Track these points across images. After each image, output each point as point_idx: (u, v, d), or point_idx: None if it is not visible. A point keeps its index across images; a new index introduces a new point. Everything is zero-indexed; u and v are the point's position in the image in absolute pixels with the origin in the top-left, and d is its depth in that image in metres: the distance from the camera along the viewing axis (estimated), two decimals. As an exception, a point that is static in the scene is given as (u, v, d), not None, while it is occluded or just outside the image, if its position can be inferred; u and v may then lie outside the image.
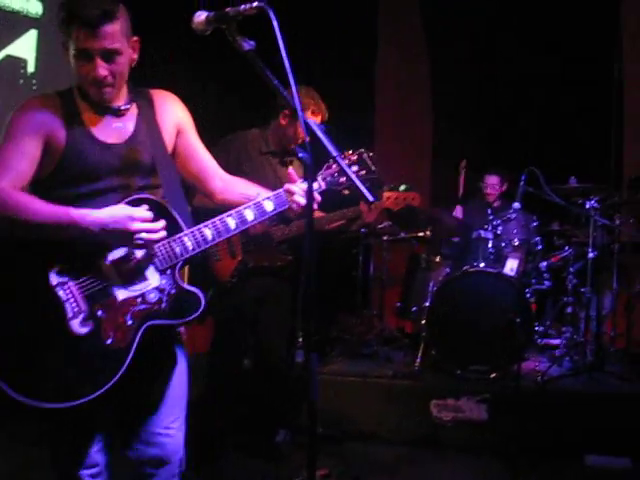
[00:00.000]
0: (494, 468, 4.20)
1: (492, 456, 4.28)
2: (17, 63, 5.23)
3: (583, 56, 7.21)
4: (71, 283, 2.10)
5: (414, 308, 5.59)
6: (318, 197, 2.43)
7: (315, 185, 2.43)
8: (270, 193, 2.41)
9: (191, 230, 2.24)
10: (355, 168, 2.57)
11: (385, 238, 6.01)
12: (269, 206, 2.36)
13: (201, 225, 2.26)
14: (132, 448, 2.34)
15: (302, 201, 2.34)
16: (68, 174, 2.19)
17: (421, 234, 5.93)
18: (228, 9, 2.07)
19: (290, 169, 2.45)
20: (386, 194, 3.81)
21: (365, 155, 2.59)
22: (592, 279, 5.27)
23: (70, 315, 2.08)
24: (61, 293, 2.09)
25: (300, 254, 3.98)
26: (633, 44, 7.14)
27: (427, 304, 5.20)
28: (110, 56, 2.14)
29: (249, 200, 2.39)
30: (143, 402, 2.33)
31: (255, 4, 2.00)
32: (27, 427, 2.91)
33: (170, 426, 2.36)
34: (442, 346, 4.99)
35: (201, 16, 2.13)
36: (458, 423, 4.56)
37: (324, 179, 2.50)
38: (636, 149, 7.07)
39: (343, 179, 2.50)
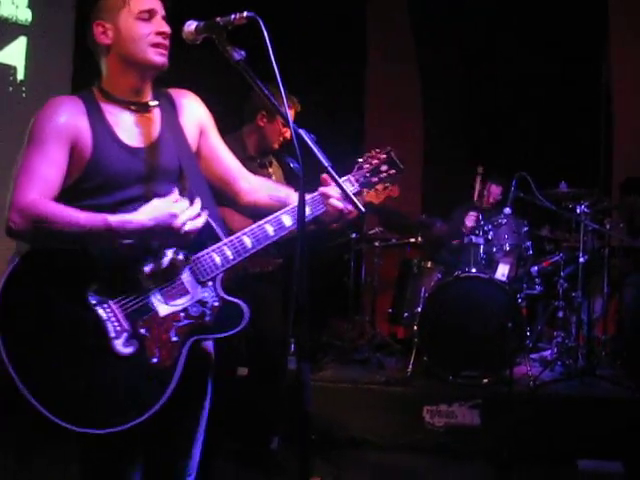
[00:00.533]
0: (487, 473, 4.21)
1: (485, 461, 4.29)
2: (6, 70, 5.22)
3: (571, 59, 7.25)
4: (111, 301, 2.00)
5: (406, 314, 5.59)
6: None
7: (350, 187, 2.35)
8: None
9: (230, 239, 2.16)
10: (385, 167, 2.46)
11: (377, 244, 6.03)
12: (306, 210, 2.22)
13: (239, 233, 2.17)
14: None
15: (339, 205, 2.25)
16: (93, 183, 2.10)
17: (412, 240, 5.94)
18: (218, 19, 2.05)
19: (324, 175, 2.30)
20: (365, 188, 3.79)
21: (392, 153, 2.49)
22: (583, 283, 5.29)
23: (113, 335, 1.98)
24: (101, 312, 1.98)
25: (290, 256, 3.97)
26: (620, 46, 7.16)
27: (419, 310, 5.20)
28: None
29: (278, 202, 2.33)
30: (176, 438, 2.23)
31: (245, 14, 1.99)
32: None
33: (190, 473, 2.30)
34: (434, 352, 4.98)
35: (191, 26, 2.13)
36: (451, 429, 4.58)
37: (357, 180, 2.42)
38: (625, 153, 7.10)
39: (375, 179, 2.45)
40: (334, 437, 4.58)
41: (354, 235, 5.94)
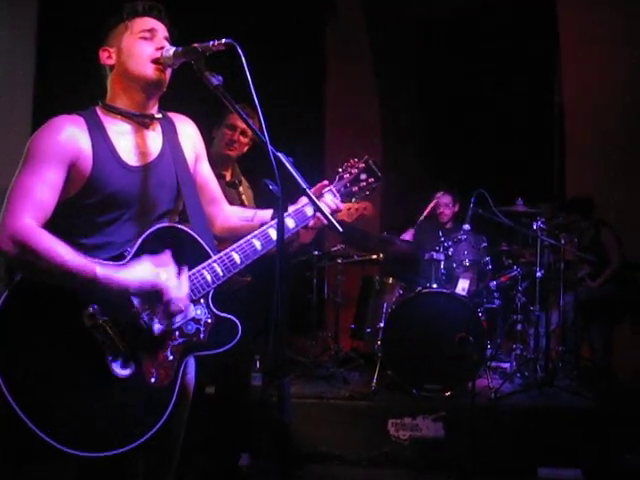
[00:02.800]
0: (452, 485, 4.28)
1: (450, 473, 4.35)
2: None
3: (526, 79, 7.48)
4: (105, 324, 1.98)
5: (368, 329, 5.66)
6: (341, 205, 2.48)
7: (331, 197, 2.44)
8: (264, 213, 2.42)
9: (219, 256, 2.20)
10: (364, 176, 2.54)
11: (339, 261, 6.10)
12: (291, 223, 2.35)
13: (228, 250, 2.22)
14: None
15: (328, 209, 2.34)
16: (92, 199, 2.11)
17: (374, 256, 6.03)
18: (196, 44, 2.11)
19: (326, 183, 2.44)
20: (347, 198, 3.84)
21: (370, 161, 2.56)
22: (540, 297, 5.44)
23: (110, 357, 1.98)
24: (97, 335, 1.97)
25: (257, 275, 3.99)
26: (571, 64, 7.38)
27: (381, 325, 5.27)
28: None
29: (246, 221, 2.43)
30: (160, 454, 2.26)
31: (224, 40, 2.04)
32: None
33: None
34: (397, 366, 5.04)
35: (169, 51, 2.19)
36: (415, 441, 4.65)
37: (339, 190, 2.50)
38: (577, 169, 7.31)
39: (355, 188, 2.53)
40: (300, 452, 4.61)
41: (316, 252, 6.01)
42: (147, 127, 2.27)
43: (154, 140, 2.28)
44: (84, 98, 2.33)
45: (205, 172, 2.47)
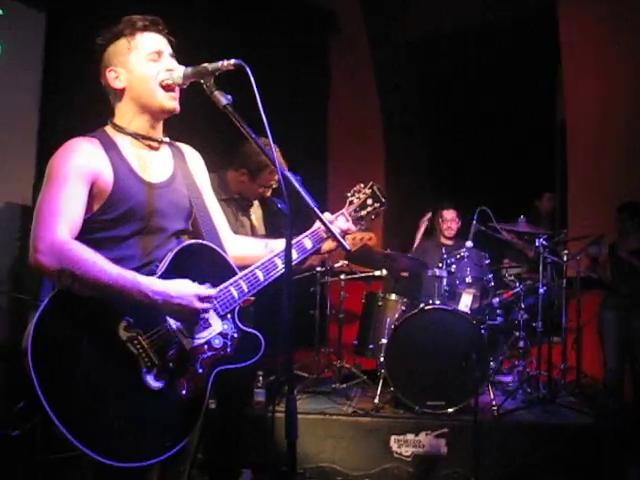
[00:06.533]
0: (455, 502, 4.28)
1: (452, 490, 4.37)
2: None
3: (528, 97, 7.53)
4: (140, 337, 2.06)
5: (371, 345, 5.65)
6: (353, 228, 2.59)
7: (343, 220, 2.53)
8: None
9: (244, 273, 2.29)
10: (370, 201, 2.64)
11: (342, 277, 6.12)
12: (309, 244, 2.45)
13: (252, 267, 2.32)
14: None
15: (338, 229, 2.42)
16: (113, 214, 2.15)
17: (377, 273, 6.05)
18: (206, 64, 2.14)
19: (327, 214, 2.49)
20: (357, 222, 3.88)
21: (375, 187, 2.67)
22: (542, 314, 5.45)
23: (144, 370, 2.05)
24: (132, 348, 2.04)
25: (262, 291, 4.01)
26: (573, 82, 7.43)
27: (384, 341, 5.28)
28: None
29: (252, 251, 2.49)
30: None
31: (233, 61, 2.07)
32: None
33: None
34: (400, 382, 5.04)
35: (179, 71, 2.22)
36: (418, 458, 4.65)
37: (350, 214, 2.60)
38: (579, 187, 7.35)
39: (364, 212, 2.63)
40: (303, 468, 4.62)
41: (319, 268, 6.03)
42: (156, 149, 2.33)
43: (164, 161, 2.34)
44: (91, 119, 2.36)
45: (211, 200, 2.52)
